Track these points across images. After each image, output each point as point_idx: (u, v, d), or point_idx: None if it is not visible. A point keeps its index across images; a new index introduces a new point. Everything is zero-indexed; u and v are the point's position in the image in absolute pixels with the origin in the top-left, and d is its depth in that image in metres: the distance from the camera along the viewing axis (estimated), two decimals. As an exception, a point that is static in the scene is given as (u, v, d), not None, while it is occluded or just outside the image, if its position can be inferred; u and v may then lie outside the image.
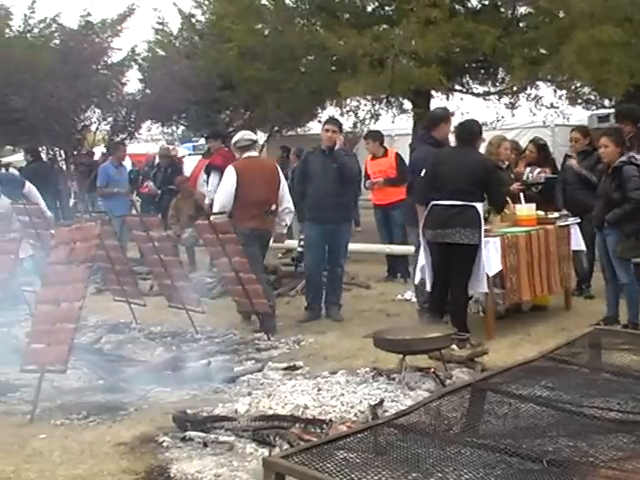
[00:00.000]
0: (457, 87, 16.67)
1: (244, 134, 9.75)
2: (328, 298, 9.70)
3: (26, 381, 6.88)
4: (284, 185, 9.47)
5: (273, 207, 9.23)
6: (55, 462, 5.29)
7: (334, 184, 9.33)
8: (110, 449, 5.47)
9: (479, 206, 8.15)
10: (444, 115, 9.31)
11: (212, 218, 8.88)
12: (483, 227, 8.13)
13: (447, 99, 16.67)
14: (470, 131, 8.58)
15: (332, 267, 9.73)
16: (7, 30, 21.72)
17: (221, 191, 9.25)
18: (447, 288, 8.35)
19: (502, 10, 15.44)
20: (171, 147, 20.02)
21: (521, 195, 9.50)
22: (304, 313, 9.64)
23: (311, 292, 9.80)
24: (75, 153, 20.33)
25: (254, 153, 9.66)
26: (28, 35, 21.83)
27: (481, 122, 9.43)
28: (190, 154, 26.62)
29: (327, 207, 9.31)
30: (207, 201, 13.10)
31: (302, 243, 10.97)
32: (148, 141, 28.07)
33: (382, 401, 5.79)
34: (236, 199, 9.02)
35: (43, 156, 18.93)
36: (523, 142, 12.77)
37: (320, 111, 21.72)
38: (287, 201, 9.42)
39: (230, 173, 9.13)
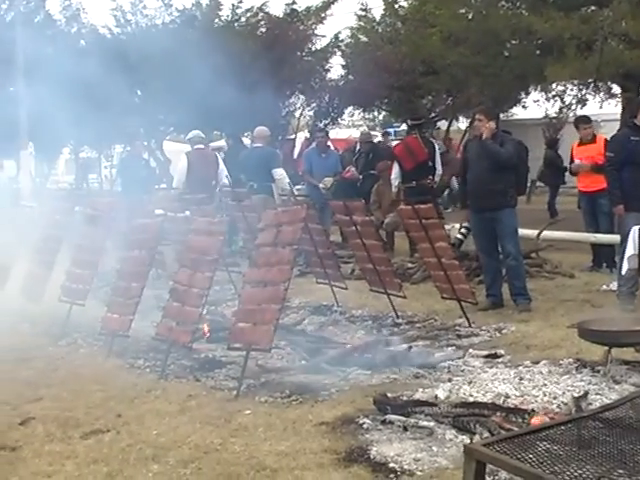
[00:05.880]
0: (671, 69, 15.96)
1: (197, 133, 13.53)
2: (510, 288, 9.54)
3: (232, 358, 7.16)
4: (222, 167, 13.08)
5: (213, 182, 12.66)
6: (260, 437, 5.44)
7: (486, 171, 9.27)
8: (312, 428, 5.58)
9: None
10: None
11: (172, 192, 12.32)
12: None
13: (659, 82, 16.01)
14: None
15: (504, 257, 9.57)
16: (216, 20, 22.49)
17: (177, 172, 12.93)
18: None
19: None
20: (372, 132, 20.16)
21: None
22: (484, 300, 9.51)
23: (487, 278, 9.72)
24: (279, 138, 20.81)
25: (201, 146, 13.29)
26: (236, 24, 22.52)
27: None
28: (392, 139, 26.74)
29: (481, 195, 9.33)
30: (393, 189, 13.24)
31: (462, 230, 11.35)
32: (349, 126, 28.39)
33: (586, 393, 5.64)
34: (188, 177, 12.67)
35: (248, 141, 19.52)
36: None
37: (524, 96, 21.36)
38: (221, 178, 12.90)
39: (183, 158, 12.94)
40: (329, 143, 15.13)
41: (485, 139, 9.28)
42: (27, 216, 10.51)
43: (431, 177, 13.27)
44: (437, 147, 14.14)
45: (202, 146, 13.24)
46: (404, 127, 28.38)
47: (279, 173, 12.17)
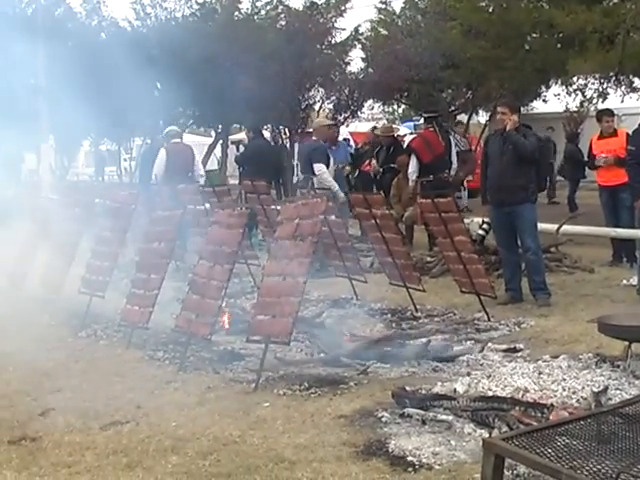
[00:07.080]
0: (695, 63, 15.82)
1: (173, 128, 14.53)
2: (529, 283, 9.49)
3: (250, 351, 7.18)
4: (197, 160, 14.21)
5: (189, 174, 13.19)
6: (278, 430, 5.45)
7: (508, 166, 9.23)
8: (330, 421, 5.59)
9: None
10: None
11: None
12: None
13: (683, 76, 15.91)
14: None
15: (523, 252, 9.53)
16: (236, 13, 22.49)
17: (157, 164, 13.14)
18: None
19: None
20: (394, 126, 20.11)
21: None
22: (503, 295, 9.47)
23: (506, 273, 9.69)
24: (299, 131, 20.80)
25: (178, 140, 13.81)
26: (255, 17, 22.52)
27: None
28: (411, 133, 26.71)
29: (502, 189, 9.28)
30: (410, 183, 13.19)
31: (484, 226, 11.26)
32: (369, 120, 28.33)
33: (606, 388, 5.61)
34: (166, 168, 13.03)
35: (267, 134, 19.50)
36: None
37: (544, 90, 21.26)
38: (198, 169, 13.82)
39: (162, 152, 13.32)
40: (346, 137, 15.10)
41: (509, 131, 9.24)
42: (47, 208, 10.52)
43: (447, 171, 13.25)
44: (453, 141, 14.12)
45: (178, 140, 13.91)
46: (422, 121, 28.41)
47: (317, 168, 12.14)
